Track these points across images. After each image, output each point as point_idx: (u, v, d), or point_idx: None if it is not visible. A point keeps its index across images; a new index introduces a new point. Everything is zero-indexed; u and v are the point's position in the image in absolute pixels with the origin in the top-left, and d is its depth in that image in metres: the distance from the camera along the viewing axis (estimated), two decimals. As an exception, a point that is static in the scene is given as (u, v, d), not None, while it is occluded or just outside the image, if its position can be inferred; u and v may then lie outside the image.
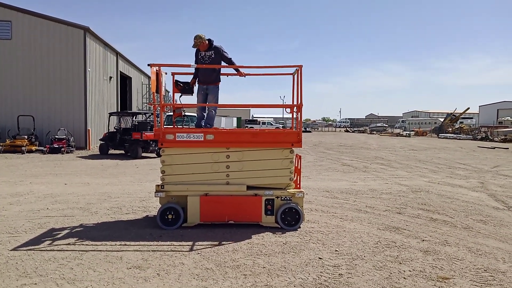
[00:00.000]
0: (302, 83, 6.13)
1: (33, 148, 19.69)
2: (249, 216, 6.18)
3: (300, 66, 6.14)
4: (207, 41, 6.90)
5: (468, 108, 52.69)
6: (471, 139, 39.07)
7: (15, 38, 21.73)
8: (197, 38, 6.77)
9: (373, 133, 59.18)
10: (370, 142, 32.59)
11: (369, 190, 9.68)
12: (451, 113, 54.87)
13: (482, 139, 38.31)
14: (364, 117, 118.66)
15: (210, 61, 6.90)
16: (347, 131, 69.83)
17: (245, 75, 7.10)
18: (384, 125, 73.21)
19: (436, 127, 52.66)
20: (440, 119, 64.45)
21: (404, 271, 4.52)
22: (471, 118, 68.62)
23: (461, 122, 54.39)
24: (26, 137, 19.85)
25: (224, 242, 5.48)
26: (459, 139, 40.15)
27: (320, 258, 4.91)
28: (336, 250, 5.20)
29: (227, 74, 7.42)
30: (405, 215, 7.21)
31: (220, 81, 7.07)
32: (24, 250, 5.08)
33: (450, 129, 47.92)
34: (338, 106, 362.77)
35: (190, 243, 5.44)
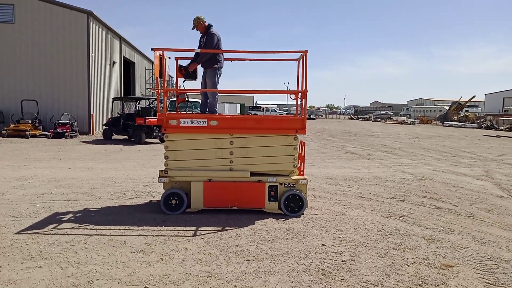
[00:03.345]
0: (307, 69, 6.07)
1: (37, 132, 19.73)
2: (252, 202, 6.18)
3: (305, 52, 6.07)
4: (205, 24, 6.96)
5: (474, 96, 52.25)
6: (476, 128, 38.86)
7: (18, 21, 21.62)
8: (195, 19, 6.93)
9: (377, 121, 58.97)
10: (375, 130, 32.48)
11: (373, 178, 9.65)
12: (457, 101, 54.43)
13: (487, 127, 38.11)
14: (369, 105, 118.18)
15: (204, 46, 6.92)
16: (351, 118, 69.62)
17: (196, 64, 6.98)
18: (389, 112, 72.90)
19: (441, 115, 52.34)
20: (445, 107, 63.99)
21: (407, 258, 4.51)
22: (477, 106, 68.10)
23: (467, 111, 53.97)
24: (30, 121, 19.86)
25: (227, 228, 5.49)
26: (464, 127, 39.95)
27: (323, 244, 4.90)
28: (339, 237, 5.20)
29: (231, 59, 7.37)
30: (409, 202, 7.19)
31: (215, 65, 6.94)
32: (29, 233, 5.10)
33: (455, 117, 47.63)
34: (343, 93, 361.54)
35: (194, 228, 5.45)
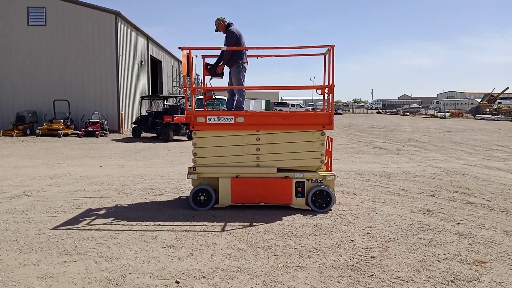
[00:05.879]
0: (334, 64, 6.02)
1: (69, 131, 20.35)
2: (279, 198, 6.19)
3: (332, 46, 6.02)
4: (225, 23, 7.01)
5: (507, 88, 50.39)
6: (510, 120, 37.54)
7: (49, 24, 22.30)
8: (216, 21, 7.04)
9: (406, 115, 57.82)
10: (403, 124, 31.88)
11: (402, 173, 9.50)
12: (489, 93, 52.67)
13: (521, 120, 36.74)
14: (397, 98, 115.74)
15: (224, 45, 6.93)
16: (379, 112, 68.53)
17: (221, 75, 7.14)
18: (418, 106, 71.25)
19: (473, 108, 50.84)
20: (477, 99, 61.93)
21: (439, 254, 4.43)
22: (511, 98, 65.68)
23: (500, 103, 52.10)
24: (62, 121, 20.50)
25: (255, 223, 5.53)
26: (497, 120, 38.66)
27: (352, 240, 4.88)
28: (368, 233, 5.15)
29: (257, 56, 7.40)
30: (440, 198, 7.05)
31: (237, 63, 6.92)
32: (64, 229, 5.29)
33: (488, 110, 46.15)
34: (370, 87, 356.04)
35: (222, 223, 5.52)
